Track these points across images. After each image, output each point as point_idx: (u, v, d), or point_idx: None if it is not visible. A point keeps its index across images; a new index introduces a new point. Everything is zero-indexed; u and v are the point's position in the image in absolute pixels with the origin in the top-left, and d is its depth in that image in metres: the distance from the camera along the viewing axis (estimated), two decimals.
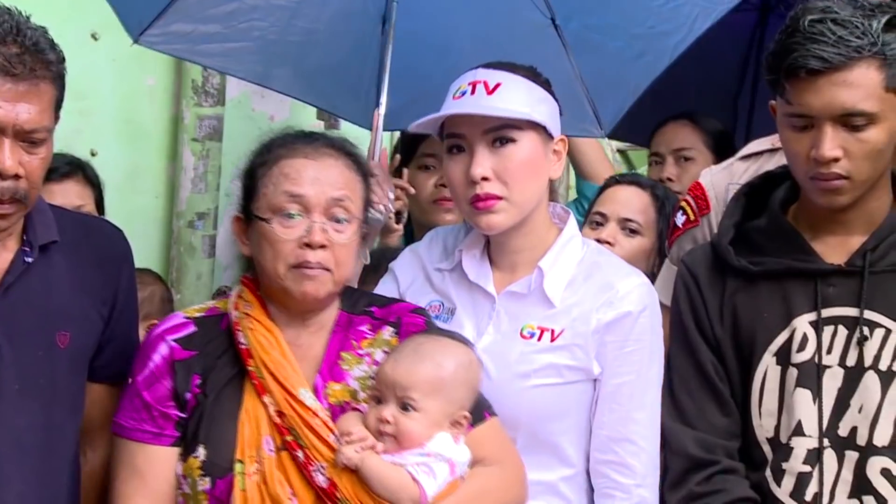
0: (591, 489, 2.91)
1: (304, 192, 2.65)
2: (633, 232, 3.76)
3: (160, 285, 4.10)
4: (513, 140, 2.85)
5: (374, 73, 3.71)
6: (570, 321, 2.86)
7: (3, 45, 2.52)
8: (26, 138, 2.56)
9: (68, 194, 3.72)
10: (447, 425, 2.65)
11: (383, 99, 3.39)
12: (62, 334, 2.68)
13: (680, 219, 3.36)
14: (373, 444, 2.59)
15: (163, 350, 2.69)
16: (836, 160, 2.67)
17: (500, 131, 2.84)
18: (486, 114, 2.84)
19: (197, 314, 2.78)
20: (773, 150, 3.29)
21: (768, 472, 2.79)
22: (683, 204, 3.37)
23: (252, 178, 2.73)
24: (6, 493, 2.60)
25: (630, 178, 3.94)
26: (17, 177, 2.55)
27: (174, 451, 2.67)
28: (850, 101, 2.64)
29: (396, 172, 4.01)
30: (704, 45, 3.73)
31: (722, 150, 4.13)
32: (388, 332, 2.76)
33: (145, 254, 4.60)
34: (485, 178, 2.83)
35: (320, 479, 2.58)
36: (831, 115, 2.65)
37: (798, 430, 2.76)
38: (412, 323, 2.77)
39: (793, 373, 2.77)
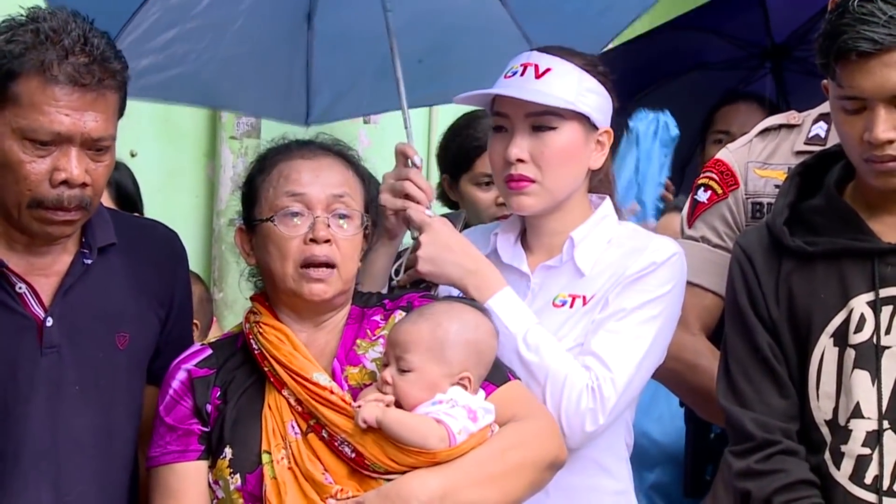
0: (628, 460, 2.96)
1: (304, 191, 2.70)
2: None
3: (199, 285, 4.10)
4: (553, 127, 2.89)
5: (302, 72, 3.74)
6: (600, 284, 2.89)
7: (73, 55, 2.52)
8: (93, 146, 2.58)
9: None
10: (447, 387, 2.65)
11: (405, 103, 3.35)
12: (121, 335, 2.70)
13: (703, 195, 3.30)
14: (389, 400, 2.61)
15: (181, 376, 2.73)
16: (891, 142, 2.64)
17: (541, 118, 2.89)
18: (526, 99, 2.88)
19: (213, 339, 2.84)
20: (789, 126, 3.26)
21: (827, 455, 2.75)
22: (705, 180, 3.32)
23: (252, 187, 2.78)
24: (67, 492, 2.62)
25: None
26: (83, 185, 2.57)
27: (203, 465, 2.69)
28: None
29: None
30: None
31: None
32: (399, 317, 2.78)
33: (187, 253, 4.60)
34: (520, 160, 2.88)
35: (347, 451, 2.60)
36: (884, 97, 2.62)
37: (856, 413, 2.72)
38: (424, 304, 2.79)
39: (850, 354, 2.73)
